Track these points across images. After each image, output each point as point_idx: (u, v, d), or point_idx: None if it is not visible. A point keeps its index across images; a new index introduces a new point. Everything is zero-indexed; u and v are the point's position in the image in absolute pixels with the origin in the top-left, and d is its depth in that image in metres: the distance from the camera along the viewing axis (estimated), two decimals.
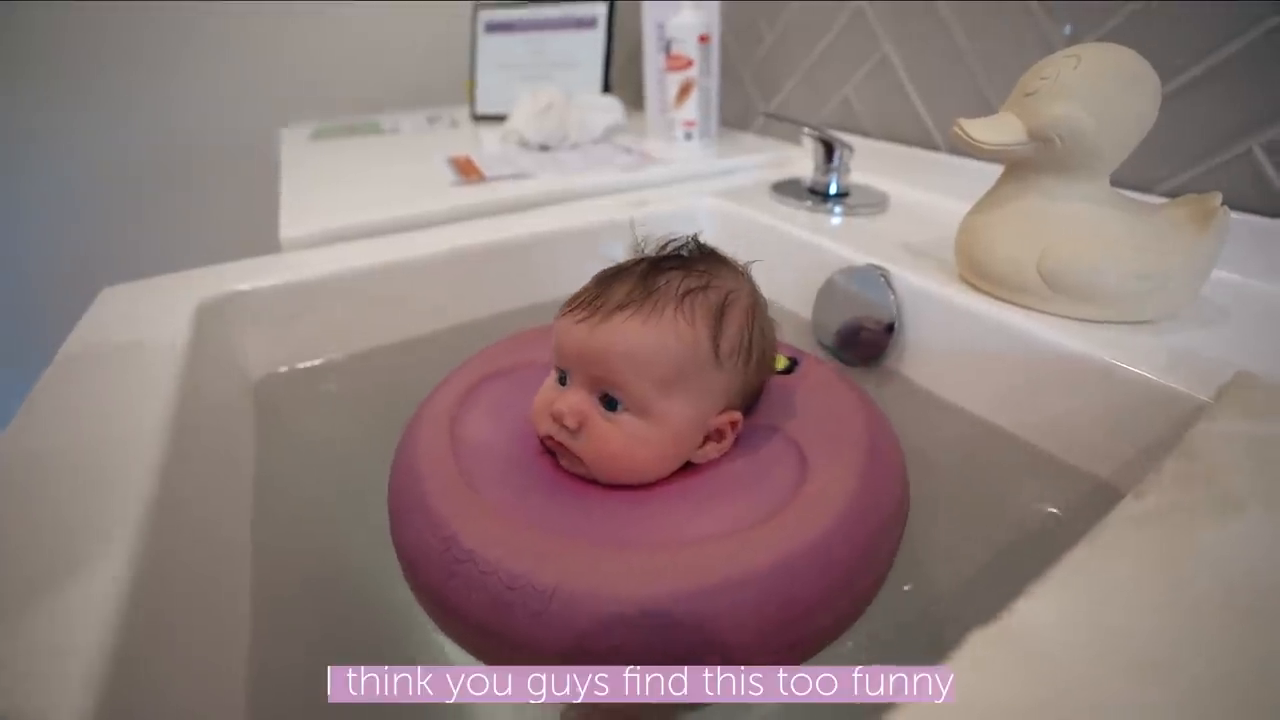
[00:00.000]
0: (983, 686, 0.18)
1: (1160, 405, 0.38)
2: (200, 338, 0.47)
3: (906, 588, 0.38)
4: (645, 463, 0.34)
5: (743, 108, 1.05)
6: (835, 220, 0.69)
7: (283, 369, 0.57)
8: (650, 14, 1.01)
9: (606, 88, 1.14)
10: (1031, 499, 0.43)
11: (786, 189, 0.77)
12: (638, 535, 0.30)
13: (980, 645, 0.19)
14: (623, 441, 0.33)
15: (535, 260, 0.66)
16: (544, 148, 0.97)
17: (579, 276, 0.37)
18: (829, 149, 0.71)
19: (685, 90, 0.91)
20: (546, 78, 1.15)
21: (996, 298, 0.48)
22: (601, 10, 1.11)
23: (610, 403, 0.33)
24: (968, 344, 0.48)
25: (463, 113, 1.29)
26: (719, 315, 0.35)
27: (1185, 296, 0.44)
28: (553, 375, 0.36)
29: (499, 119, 1.19)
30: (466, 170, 0.84)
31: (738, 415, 0.36)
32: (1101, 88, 0.41)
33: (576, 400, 0.34)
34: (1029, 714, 0.17)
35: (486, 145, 1.01)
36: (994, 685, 0.18)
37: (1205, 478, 0.27)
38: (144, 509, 0.29)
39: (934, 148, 0.77)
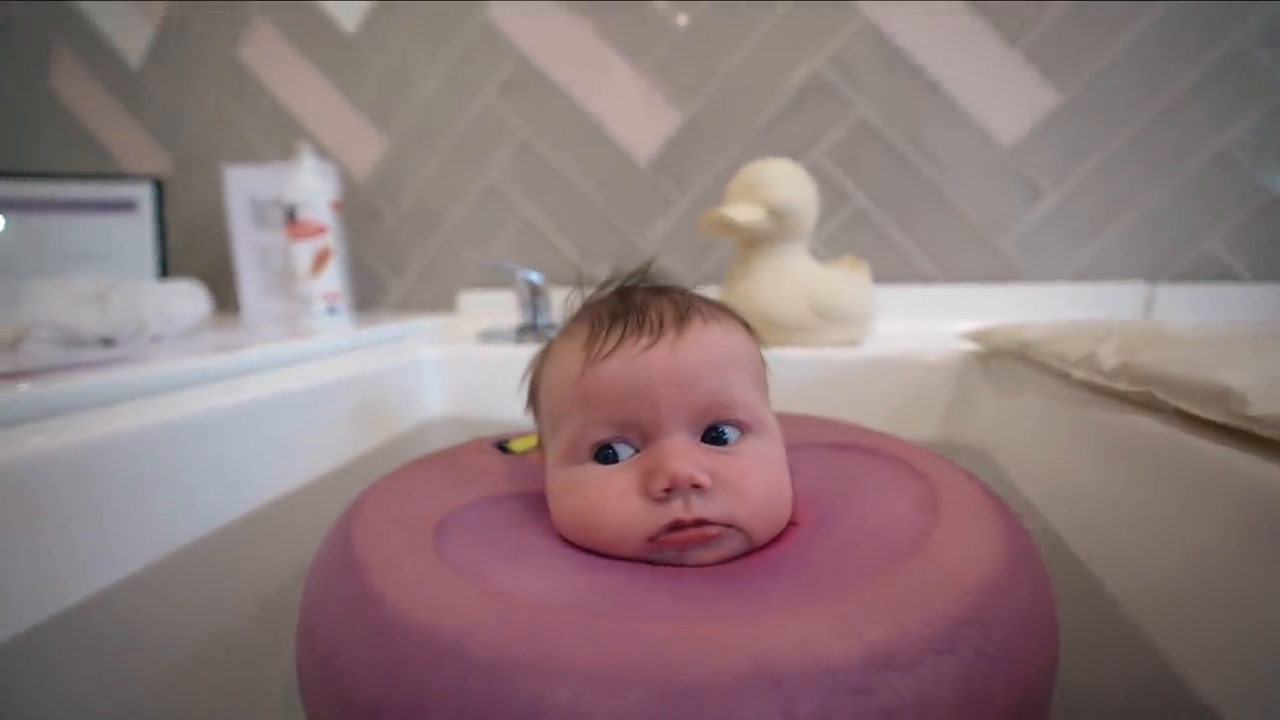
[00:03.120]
0: None
1: (940, 370, 0.52)
2: None
3: None
4: (787, 487, 0.26)
5: (367, 289, 0.98)
6: None
7: None
8: (240, 181, 0.86)
9: (163, 273, 0.89)
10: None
11: (493, 336, 0.74)
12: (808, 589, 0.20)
13: None
14: (764, 471, 0.24)
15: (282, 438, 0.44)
16: (108, 342, 0.68)
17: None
18: (534, 290, 0.73)
19: (322, 260, 0.79)
20: (63, 273, 0.82)
21: (779, 343, 0.57)
22: (144, 192, 0.89)
23: (719, 437, 0.25)
24: (787, 386, 0.55)
25: None
26: (746, 323, 0.30)
27: (871, 319, 0.62)
28: (585, 466, 0.25)
29: None
30: None
31: None
32: (794, 180, 0.57)
33: (687, 447, 0.24)
34: None
35: None
36: None
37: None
38: None
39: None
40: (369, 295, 0.98)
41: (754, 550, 0.24)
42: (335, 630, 0.20)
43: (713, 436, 0.24)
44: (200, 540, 0.38)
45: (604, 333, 0.25)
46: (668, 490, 0.22)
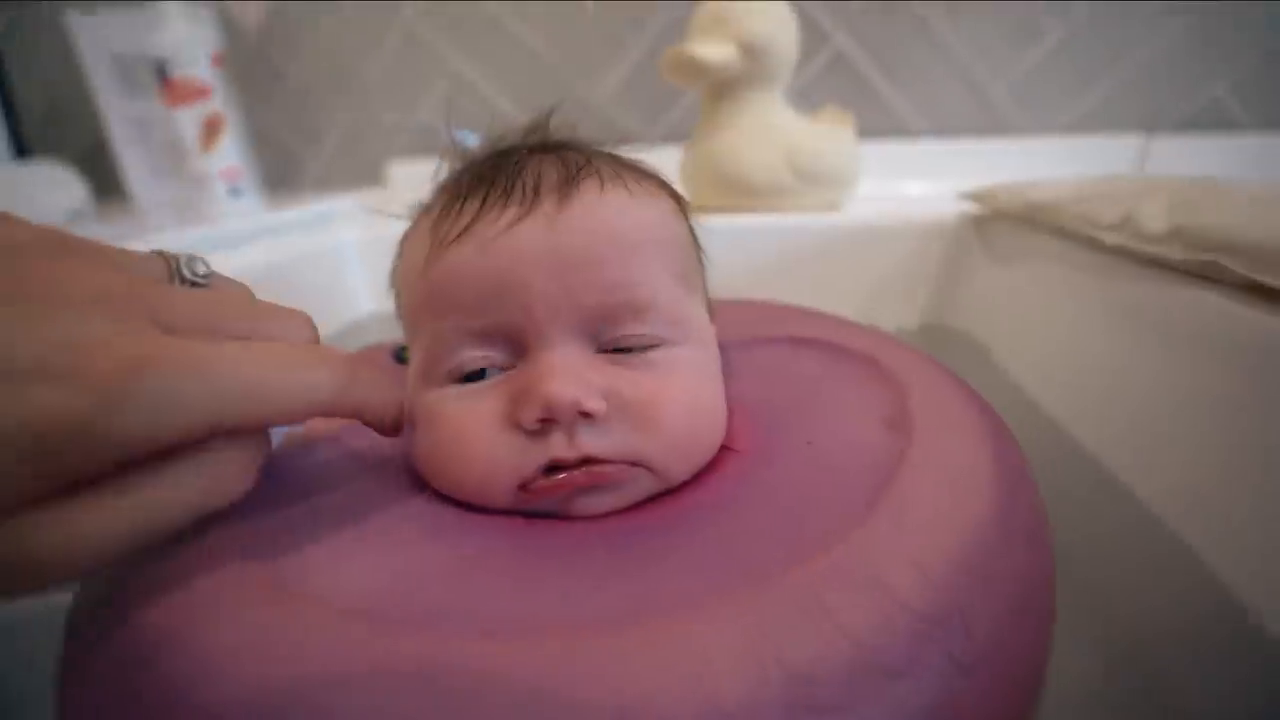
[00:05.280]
0: None
1: (930, 237, 0.47)
2: None
3: None
4: (718, 408, 0.20)
5: (280, 165, 0.85)
6: None
7: None
8: (91, 35, 0.70)
9: (21, 155, 0.75)
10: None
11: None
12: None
13: None
14: (686, 390, 0.18)
15: None
16: None
17: None
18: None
19: (212, 129, 0.67)
20: None
21: (751, 209, 0.50)
22: None
23: (623, 345, 0.18)
24: (757, 258, 0.49)
25: None
26: (673, 190, 0.23)
27: (854, 180, 0.55)
28: (443, 390, 0.18)
29: None
30: None
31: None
32: (771, 10, 0.47)
33: (572, 361, 0.17)
34: None
35: None
36: None
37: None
38: None
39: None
40: (282, 172, 0.86)
41: (668, 491, 0.18)
42: None
43: (615, 345, 0.18)
44: None
45: (459, 205, 0.18)
46: (543, 421, 0.17)
